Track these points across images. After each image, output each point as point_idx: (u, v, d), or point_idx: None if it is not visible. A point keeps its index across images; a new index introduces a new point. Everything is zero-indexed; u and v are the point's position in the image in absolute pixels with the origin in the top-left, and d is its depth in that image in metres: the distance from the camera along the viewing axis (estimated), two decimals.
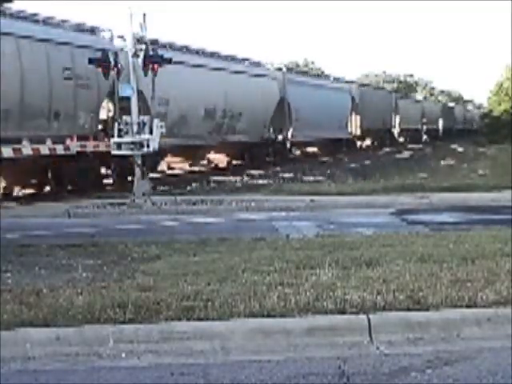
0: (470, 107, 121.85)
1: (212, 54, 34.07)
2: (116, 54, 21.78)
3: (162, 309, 7.30)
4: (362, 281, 8.26)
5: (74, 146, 22.97)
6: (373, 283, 8.12)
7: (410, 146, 65.92)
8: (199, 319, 7.07)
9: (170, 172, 33.19)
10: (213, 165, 36.68)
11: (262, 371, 6.32)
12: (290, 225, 15.30)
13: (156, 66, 20.45)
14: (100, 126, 25.11)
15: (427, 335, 6.96)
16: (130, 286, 8.37)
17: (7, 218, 16.57)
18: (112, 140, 20.55)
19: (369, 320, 7.00)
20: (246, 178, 28.70)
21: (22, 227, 15.30)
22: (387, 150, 58.48)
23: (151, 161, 25.66)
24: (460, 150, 56.38)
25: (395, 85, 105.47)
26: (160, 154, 24.06)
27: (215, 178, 28.37)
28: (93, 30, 25.25)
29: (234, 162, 37.59)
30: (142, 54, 20.24)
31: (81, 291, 8.07)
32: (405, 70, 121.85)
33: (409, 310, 7.27)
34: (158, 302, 7.48)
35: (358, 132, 55.53)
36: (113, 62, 20.74)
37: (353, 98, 53.43)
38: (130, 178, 25.62)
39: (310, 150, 49.06)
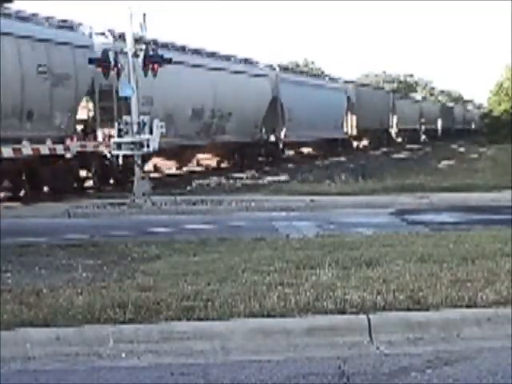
0: (469, 107, 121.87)
1: (200, 52, 33.22)
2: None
3: (162, 309, 7.30)
4: (361, 281, 8.26)
5: (74, 146, 22.89)
6: (373, 283, 8.12)
7: (408, 146, 65.88)
8: (199, 319, 7.07)
9: (169, 172, 33.10)
10: (203, 166, 35.97)
11: (261, 371, 6.32)
12: (289, 225, 15.29)
13: (156, 65, 20.46)
14: (79, 127, 24.39)
15: (427, 335, 6.96)
16: (129, 286, 8.37)
17: (7, 218, 16.57)
18: (112, 140, 20.54)
19: (369, 320, 7.00)
20: (231, 181, 27.90)
21: (22, 227, 15.30)
22: (384, 150, 58.36)
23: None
24: (460, 150, 56.39)
25: (395, 85, 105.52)
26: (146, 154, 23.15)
27: (200, 181, 27.61)
28: (71, 27, 24.28)
29: (223, 165, 36.84)
30: (142, 54, 20.25)
31: (81, 291, 8.07)
32: (405, 70, 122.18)
33: (409, 310, 7.27)
34: (158, 302, 7.48)
35: (354, 132, 55.21)
36: (113, 62, 20.62)
37: (348, 98, 53.07)
38: (111, 181, 25.40)
39: (305, 150, 48.68)
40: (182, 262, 10.04)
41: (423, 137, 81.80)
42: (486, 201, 18.99)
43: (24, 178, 21.98)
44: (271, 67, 41.47)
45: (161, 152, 28.56)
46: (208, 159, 36.61)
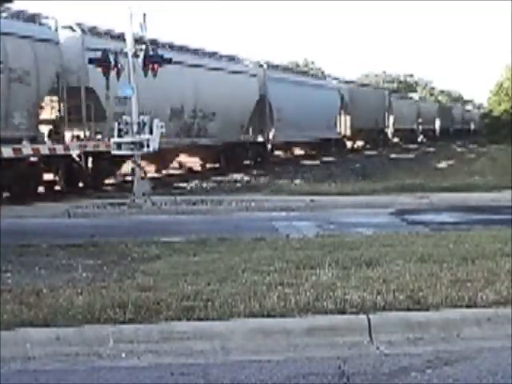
0: (469, 107, 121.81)
1: (182, 48, 31.37)
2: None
3: (162, 309, 7.31)
4: (361, 281, 8.27)
5: (75, 146, 22.81)
6: (373, 283, 8.12)
7: (404, 146, 65.72)
8: (199, 319, 7.07)
9: (169, 172, 32.91)
10: (186, 168, 34.59)
11: (262, 371, 6.32)
12: (289, 225, 15.29)
13: (156, 65, 20.44)
14: (45, 128, 23.22)
15: (427, 335, 6.96)
16: (129, 285, 8.37)
17: (7, 218, 16.56)
18: (112, 140, 20.51)
19: (369, 320, 7.00)
20: (212, 184, 27.15)
21: (22, 227, 15.29)
22: (380, 150, 58.13)
23: (112, 165, 24.76)
24: (459, 150, 56.37)
25: (395, 85, 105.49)
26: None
27: (181, 184, 26.96)
28: (33, 20, 22.67)
29: (209, 166, 35.53)
30: (142, 54, 20.23)
31: (81, 291, 8.07)
32: (405, 70, 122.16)
33: (409, 310, 7.27)
34: (158, 302, 7.49)
35: (348, 132, 54.04)
36: (113, 62, 20.56)
37: (342, 97, 51.83)
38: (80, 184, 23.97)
39: (297, 152, 47.64)
40: (181, 261, 10.04)
41: (421, 137, 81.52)
42: (486, 201, 18.99)
43: None
44: (259, 65, 39.62)
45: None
46: (191, 162, 35.17)
